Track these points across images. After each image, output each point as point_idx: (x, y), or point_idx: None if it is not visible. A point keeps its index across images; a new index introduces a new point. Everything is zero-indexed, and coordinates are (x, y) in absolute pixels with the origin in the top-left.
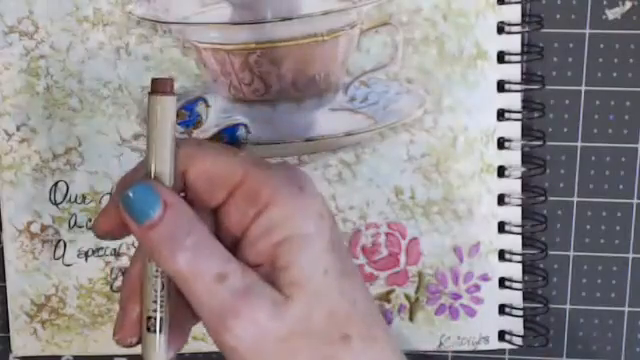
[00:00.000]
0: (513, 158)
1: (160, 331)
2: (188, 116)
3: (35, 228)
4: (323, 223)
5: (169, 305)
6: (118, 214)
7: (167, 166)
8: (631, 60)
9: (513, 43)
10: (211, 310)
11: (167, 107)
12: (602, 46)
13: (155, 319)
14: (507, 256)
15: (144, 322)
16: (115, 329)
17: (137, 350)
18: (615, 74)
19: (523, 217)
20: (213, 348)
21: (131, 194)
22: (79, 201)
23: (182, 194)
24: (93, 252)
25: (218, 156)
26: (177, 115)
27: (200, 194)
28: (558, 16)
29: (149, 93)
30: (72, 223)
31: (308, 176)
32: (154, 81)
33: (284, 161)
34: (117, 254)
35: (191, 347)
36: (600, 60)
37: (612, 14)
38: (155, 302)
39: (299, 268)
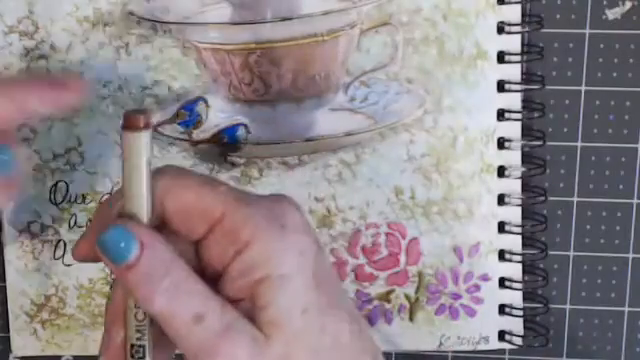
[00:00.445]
0: (513, 158)
1: (144, 358)
2: (188, 116)
3: (35, 228)
4: (305, 260)
5: (152, 332)
6: (93, 243)
7: (143, 202)
8: (631, 60)
9: (513, 43)
10: (190, 349)
11: (141, 143)
12: (602, 46)
13: (139, 347)
14: (507, 256)
15: (128, 349)
16: (100, 351)
17: None
18: (615, 74)
19: (523, 217)
20: None
21: (107, 236)
22: (79, 201)
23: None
24: None
25: (197, 190)
26: (177, 115)
27: (179, 228)
28: (558, 16)
29: (122, 128)
30: (72, 223)
31: (292, 208)
32: (126, 116)
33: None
34: None
35: None
36: (600, 60)
37: (612, 14)
38: (138, 331)
39: (277, 308)
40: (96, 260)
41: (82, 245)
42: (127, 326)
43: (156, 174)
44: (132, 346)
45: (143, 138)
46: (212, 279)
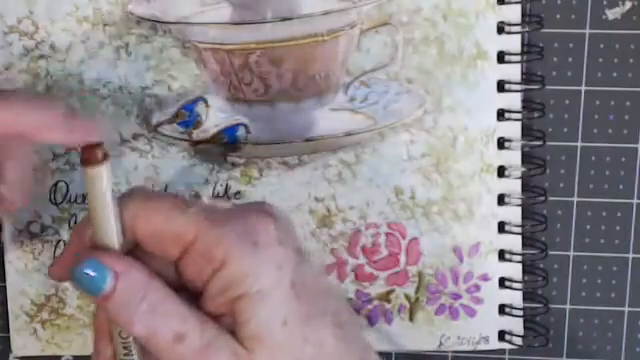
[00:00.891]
0: (513, 158)
1: None
2: (188, 116)
3: (35, 228)
4: (282, 273)
5: (138, 347)
6: (69, 265)
7: (112, 231)
8: (631, 60)
9: (513, 43)
10: None
11: (102, 176)
12: (602, 46)
13: None
14: (507, 256)
15: None
16: None
17: None
18: (615, 74)
19: (523, 217)
20: None
21: (80, 270)
22: (79, 201)
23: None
24: None
25: (167, 214)
26: (177, 115)
27: (153, 250)
28: (558, 16)
29: (81, 163)
30: (72, 223)
31: (266, 221)
32: (83, 151)
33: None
34: None
35: None
36: (600, 60)
37: (612, 14)
38: (125, 348)
39: (257, 322)
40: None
41: (57, 268)
42: (114, 344)
43: (125, 198)
44: None
45: (103, 171)
46: (194, 294)
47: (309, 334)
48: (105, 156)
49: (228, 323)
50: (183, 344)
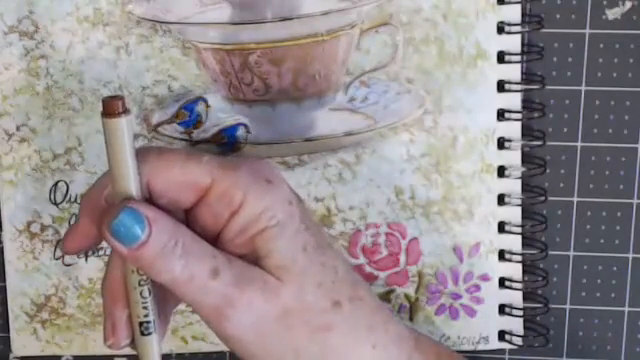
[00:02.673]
0: (513, 158)
1: (154, 332)
2: (188, 116)
3: (35, 228)
4: (292, 207)
5: (155, 305)
6: (86, 232)
7: (135, 184)
8: (631, 60)
9: (513, 43)
10: (208, 306)
11: (123, 128)
12: (602, 46)
13: (148, 323)
14: (507, 256)
15: (136, 327)
16: (106, 335)
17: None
18: (615, 74)
19: (523, 217)
20: (213, 348)
21: (118, 221)
22: (79, 201)
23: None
24: (93, 252)
25: (183, 165)
26: (177, 115)
27: (170, 201)
28: (558, 16)
29: (102, 115)
30: (72, 223)
31: (272, 165)
32: (104, 103)
33: (248, 157)
34: None
35: (191, 347)
36: (600, 60)
37: (612, 14)
38: (145, 308)
39: (281, 253)
40: (87, 249)
41: (73, 241)
42: (132, 305)
43: (140, 155)
44: (141, 324)
45: (124, 123)
46: (209, 242)
47: (325, 260)
48: (125, 109)
49: (249, 261)
50: (218, 279)
